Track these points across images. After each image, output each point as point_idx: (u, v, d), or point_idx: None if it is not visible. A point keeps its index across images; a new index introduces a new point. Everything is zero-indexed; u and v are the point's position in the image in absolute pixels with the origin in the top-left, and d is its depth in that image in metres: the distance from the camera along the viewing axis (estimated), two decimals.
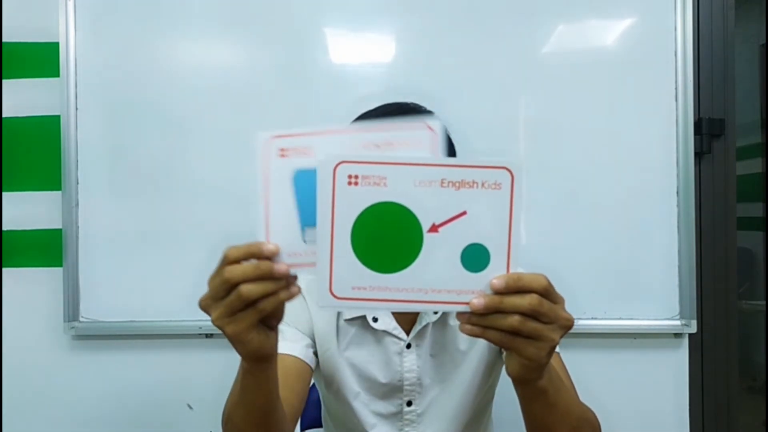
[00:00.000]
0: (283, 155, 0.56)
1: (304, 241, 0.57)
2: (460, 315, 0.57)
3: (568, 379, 0.87)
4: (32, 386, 1.51)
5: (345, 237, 0.55)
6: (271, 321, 0.59)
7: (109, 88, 1.46)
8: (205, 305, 0.57)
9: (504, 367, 0.67)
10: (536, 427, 0.71)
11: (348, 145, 0.56)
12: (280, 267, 0.55)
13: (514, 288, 0.54)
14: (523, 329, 0.55)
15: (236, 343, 0.58)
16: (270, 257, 0.55)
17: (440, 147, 0.56)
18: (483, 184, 0.54)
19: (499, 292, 0.54)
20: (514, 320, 0.54)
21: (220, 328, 0.56)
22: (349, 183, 0.54)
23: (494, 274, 0.55)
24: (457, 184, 0.54)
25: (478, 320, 0.56)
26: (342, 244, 0.55)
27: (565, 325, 0.57)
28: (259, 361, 0.62)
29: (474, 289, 0.55)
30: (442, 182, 0.54)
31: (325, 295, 0.56)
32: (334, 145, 0.55)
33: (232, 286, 0.54)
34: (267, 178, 0.57)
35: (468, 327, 0.56)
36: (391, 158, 0.54)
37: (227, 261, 0.55)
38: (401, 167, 0.54)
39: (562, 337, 0.58)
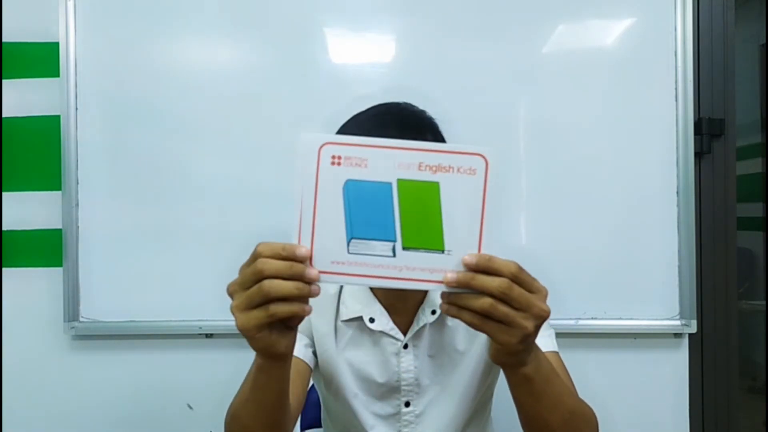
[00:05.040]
0: (334, 163, 0.57)
1: (349, 252, 0.58)
2: (442, 294, 0.58)
3: (566, 376, 0.87)
4: (32, 386, 1.51)
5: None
6: (291, 321, 0.59)
7: (109, 88, 1.46)
8: (231, 290, 0.58)
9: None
10: (526, 417, 0.72)
11: (402, 162, 0.57)
12: (311, 272, 0.56)
13: (485, 267, 0.56)
14: (494, 312, 0.56)
15: (246, 337, 0.58)
16: (302, 261, 0.55)
17: (491, 175, 0.57)
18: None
19: (470, 269, 0.56)
20: (485, 302, 0.56)
21: (234, 317, 0.57)
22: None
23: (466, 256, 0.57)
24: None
25: (454, 299, 0.58)
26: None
27: (540, 315, 0.58)
28: (272, 358, 0.62)
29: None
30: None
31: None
32: (389, 159, 0.57)
33: (261, 278, 0.55)
34: (316, 183, 0.57)
35: (446, 306, 0.58)
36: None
37: (261, 255, 0.55)
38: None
39: (537, 327, 0.59)
